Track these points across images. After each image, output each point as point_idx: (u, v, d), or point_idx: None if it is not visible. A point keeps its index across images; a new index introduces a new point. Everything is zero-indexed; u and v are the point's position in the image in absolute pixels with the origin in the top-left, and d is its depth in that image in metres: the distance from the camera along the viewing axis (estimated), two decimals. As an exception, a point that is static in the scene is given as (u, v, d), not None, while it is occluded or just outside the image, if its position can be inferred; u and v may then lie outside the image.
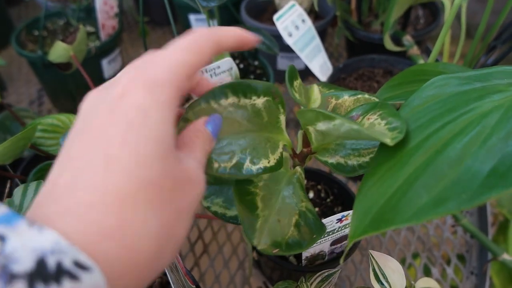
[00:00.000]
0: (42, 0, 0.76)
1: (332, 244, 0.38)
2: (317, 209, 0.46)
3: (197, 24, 0.80)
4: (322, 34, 0.73)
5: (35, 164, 0.41)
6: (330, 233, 0.36)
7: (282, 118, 0.31)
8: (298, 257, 0.42)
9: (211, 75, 0.46)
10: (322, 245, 0.38)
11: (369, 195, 0.24)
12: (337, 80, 0.59)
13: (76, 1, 0.69)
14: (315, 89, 0.32)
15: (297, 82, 0.38)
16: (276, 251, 0.28)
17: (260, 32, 0.51)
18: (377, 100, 0.34)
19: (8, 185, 0.36)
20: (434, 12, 0.69)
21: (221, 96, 0.28)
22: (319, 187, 0.49)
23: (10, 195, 0.35)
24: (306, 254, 0.38)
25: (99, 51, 0.64)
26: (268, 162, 0.28)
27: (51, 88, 0.68)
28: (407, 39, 0.60)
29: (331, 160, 0.31)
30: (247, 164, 0.27)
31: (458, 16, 0.66)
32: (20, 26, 0.67)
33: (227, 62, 0.46)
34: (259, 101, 0.30)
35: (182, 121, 0.26)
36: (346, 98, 0.34)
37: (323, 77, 0.56)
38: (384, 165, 0.25)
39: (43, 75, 0.66)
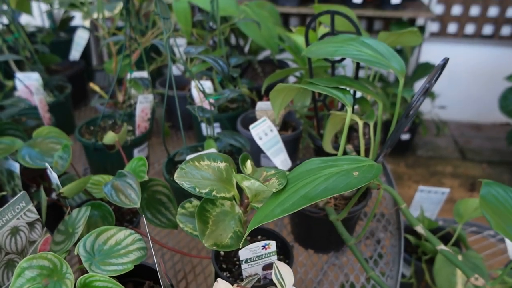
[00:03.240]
0: (100, 106, 1.08)
1: (264, 269, 0.58)
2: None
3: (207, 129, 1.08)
4: (296, 141, 0.99)
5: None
6: (259, 258, 0.56)
7: (234, 178, 0.55)
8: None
9: (201, 159, 0.71)
10: (256, 268, 0.57)
11: (262, 209, 0.46)
12: (295, 172, 0.83)
13: (123, 108, 1.00)
14: (249, 163, 0.55)
15: (248, 163, 0.62)
16: (215, 247, 0.49)
17: (240, 136, 0.77)
18: (286, 173, 0.57)
19: (68, 209, 0.59)
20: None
21: (200, 159, 0.53)
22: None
23: (60, 218, 0.58)
24: (245, 274, 0.57)
25: (133, 143, 0.91)
26: (225, 195, 0.51)
27: (95, 166, 0.95)
28: (349, 147, 0.85)
29: (258, 205, 0.53)
30: (214, 193, 0.50)
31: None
32: (81, 123, 0.97)
33: (212, 150, 0.71)
34: (222, 165, 0.54)
35: (180, 169, 0.50)
36: (271, 172, 0.58)
37: (284, 169, 0.79)
38: (271, 198, 0.48)
39: (91, 156, 0.93)
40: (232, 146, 0.83)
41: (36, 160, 0.68)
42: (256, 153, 0.95)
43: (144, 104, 0.91)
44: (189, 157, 0.70)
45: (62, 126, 1.09)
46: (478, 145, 2.70)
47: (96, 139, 0.91)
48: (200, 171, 0.52)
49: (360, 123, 0.71)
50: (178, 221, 0.55)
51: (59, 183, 0.62)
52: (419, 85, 2.31)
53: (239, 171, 0.56)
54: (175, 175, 0.50)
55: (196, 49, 0.71)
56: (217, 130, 1.06)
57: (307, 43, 0.78)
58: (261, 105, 0.88)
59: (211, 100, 0.78)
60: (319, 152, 0.94)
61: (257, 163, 1.00)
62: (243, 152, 0.60)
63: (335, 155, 0.82)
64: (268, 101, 0.90)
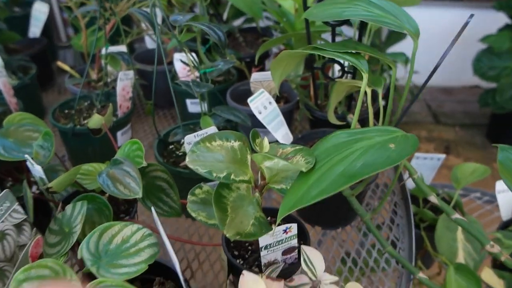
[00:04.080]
0: (73, 88, 0.98)
1: (284, 253, 0.53)
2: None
3: (192, 107, 1.00)
4: (290, 113, 0.93)
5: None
6: (280, 242, 0.52)
7: (249, 157, 0.49)
8: (261, 267, 0.57)
9: (201, 138, 0.65)
10: (276, 254, 0.53)
11: (292, 192, 0.41)
12: (297, 146, 0.78)
13: (98, 88, 0.91)
14: (266, 141, 0.50)
15: (258, 140, 0.56)
16: (238, 237, 0.44)
17: (238, 111, 0.71)
18: (305, 148, 0.52)
19: (60, 205, 0.52)
20: (374, 97, 0.91)
21: (212, 140, 0.47)
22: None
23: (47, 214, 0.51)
24: (264, 261, 0.53)
25: (115, 125, 0.83)
26: (244, 178, 0.45)
27: (74, 154, 0.86)
28: (350, 116, 0.81)
29: (278, 186, 0.48)
30: (233, 176, 0.44)
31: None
32: (54, 106, 0.87)
33: (212, 129, 0.65)
34: (236, 144, 0.48)
35: (191, 151, 0.44)
36: (288, 149, 0.52)
37: (286, 143, 0.74)
38: (300, 179, 0.42)
39: (69, 143, 0.84)
40: (228, 122, 0.76)
41: (12, 151, 0.59)
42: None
43: (124, 81, 0.83)
44: (188, 137, 0.64)
45: (31, 111, 0.99)
46: (450, 108, 2.75)
47: (74, 123, 0.82)
48: (213, 152, 0.46)
49: (369, 91, 0.67)
50: (190, 210, 0.50)
51: (43, 176, 0.54)
52: (392, 51, 2.30)
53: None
54: (187, 159, 0.44)
55: (184, 17, 0.63)
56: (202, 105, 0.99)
57: (305, 6, 0.71)
58: (256, 76, 0.82)
59: (196, 74, 0.71)
60: (317, 123, 0.89)
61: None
62: (253, 129, 0.54)
63: (341, 126, 0.77)
64: (261, 71, 0.84)
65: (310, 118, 0.89)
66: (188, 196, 0.50)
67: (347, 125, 0.79)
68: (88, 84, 0.98)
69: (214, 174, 0.44)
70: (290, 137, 0.76)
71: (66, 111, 0.89)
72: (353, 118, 0.60)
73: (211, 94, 0.98)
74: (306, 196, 0.39)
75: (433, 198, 0.65)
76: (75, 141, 0.82)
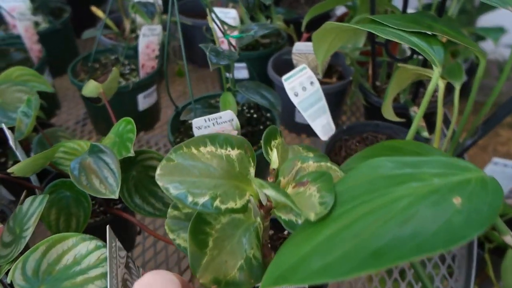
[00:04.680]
0: (103, 38, 0.88)
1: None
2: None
3: (236, 71, 0.87)
4: (341, 95, 0.77)
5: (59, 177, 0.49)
6: None
7: (252, 171, 0.36)
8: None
9: (213, 124, 0.53)
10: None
11: (285, 254, 0.28)
12: (339, 141, 0.63)
13: (127, 40, 0.80)
14: (274, 153, 0.36)
15: (276, 142, 0.43)
16: (214, 287, 0.32)
17: (267, 90, 0.57)
18: (336, 169, 0.38)
19: (24, 193, 0.43)
20: (450, 86, 0.72)
21: (200, 144, 0.34)
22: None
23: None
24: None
25: (136, 87, 0.73)
26: (235, 205, 0.33)
27: (92, 113, 0.78)
28: (414, 110, 0.63)
29: (285, 216, 0.35)
30: (217, 202, 0.32)
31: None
32: (77, 58, 0.79)
33: (228, 114, 0.52)
34: (233, 153, 0.35)
35: (165, 160, 0.32)
36: (311, 164, 0.38)
37: (324, 137, 0.60)
38: (305, 231, 0.29)
39: (87, 102, 0.76)
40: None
41: (-5, 115, 0.51)
42: (290, 108, 0.75)
43: (149, 37, 0.71)
44: (196, 120, 0.51)
45: (58, 61, 0.92)
46: (548, 92, 2.34)
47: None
48: (199, 162, 0.34)
49: (442, 85, 0.49)
50: (168, 229, 0.38)
51: (16, 152, 0.46)
52: (482, 22, 1.91)
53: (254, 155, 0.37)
54: (157, 171, 0.32)
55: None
56: (242, 72, 0.85)
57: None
58: (300, 46, 0.66)
59: (231, 39, 0.57)
60: (372, 112, 0.72)
61: (290, 122, 0.80)
62: (270, 126, 0.41)
63: (400, 124, 0.60)
64: (309, 42, 0.68)
65: (364, 104, 0.72)
66: (169, 211, 0.39)
67: (408, 123, 0.62)
68: (120, 36, 0.88)
69: (190, 199, 0.31)
70: (331, 128, 0.61)
71: (90, 64, 0.80)
72: (415, 117, 0.44)
73: (254, 60, 0.83)
74: (301, 268, 0.25)
75: (509, 239, 0.49)
76: (92, 101, 0.74)
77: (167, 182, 0.31)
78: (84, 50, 1.07)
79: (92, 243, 0.35)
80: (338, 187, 0.31)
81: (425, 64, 0.59)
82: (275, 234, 0.53)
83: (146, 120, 0.81)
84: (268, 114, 0.67)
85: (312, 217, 0.28)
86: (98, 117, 0.78)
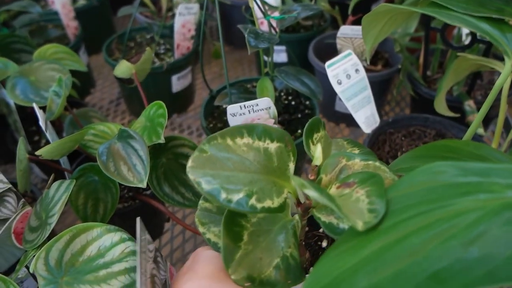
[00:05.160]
0: (140, 16, 0.86)
1: None
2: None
3: (276, 55, 0.83)
4: (387, 83, 0.72)
5: (89, 160, 0.48)
6: None
7: (291, 166, 0.33)
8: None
9: (249, 111, 0.50)
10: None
11: (326, 266, 0.25)
12: (383, 134, 0.58)
13: (161, 19, 0.78)
14: (318, 148, 0.32)
15: (318, 135, 0.39)
16: (248, 284, 0.30)
17: (308, 76, 0.53)
18: (386, 170, 0.34)
19: (52, 177, 0.42)
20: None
21: (237, 135, 0.31)
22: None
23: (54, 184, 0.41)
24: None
25: (170, 68, 0.70)
26: (272, 204, 0.30)
27: (126, 94, 0.77)
28: (469, 104, 0.58)
29: (324, 218, 0.31)
30: (253, 201, 0.29)
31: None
32: (112, 36, 0.77)
33: (265, 101, 0.48)
34: (272, 146, 0.32)
35: (198, 151, 0.29)
36: (357, 162, 0.34)
37: (367, 129, 0.55)
38: (350, 241, 0.26)
39: (120, 82, 0.74)
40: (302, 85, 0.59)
41: (28, 94, 0.50)
42: (330, 95, 0.70)
43: (185, 16, 0.68)
44: (231, 107, 0.48)
45: (94, 38, 0.91)
46: None
47: (126, 59, 0.71)
48: (234, 154, 0.31)
49: (509, 78, 0.44)
50: (198, 221, 0.36)
51: (46, 132, 0.44)
52: None
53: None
54: (189, 163, 0.29)
55: None
56: (280, 55, 0.81)
57: None
58: (346, 30, 0.61)
59: (272, 20, 0.53)
60: (420, 104, 0.67)
61: (329, 110, 0.75)
62: (314, 117, 0.37)
63: (451, 119, 0.54)
64: (356, 26, 0.63)
65: (411, 95, 0.66)
66: (200, 202, 0.36)
67: (462, 118, 0.56)
68: (156, 14, 0.86)
69: (223, 196, 0.28)
70: (375, 121, 0.56)
71: (125, 43, 0.78)
72: (477, 116, 0.39)
73: (295, 42, 0.79)
74: (343, 285, 0.22)
75: None
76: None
77: (199, 175, 0.29)
78: (121, 28, 1.05)
79: (117, 235, 0.33)
80: (389, 193, 0.27)
81: (487, 53, 0.53)
82: (309, 231, 0.49)
83: (179, 103, 0.79)
84: (307, 102, 0.63)
85: (360, 226, 0.24)
86: (132, 97, 0.76)
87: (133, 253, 0.33)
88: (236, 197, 0.28)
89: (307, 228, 0.49)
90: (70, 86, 0.49)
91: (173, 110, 0.79)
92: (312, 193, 0.27)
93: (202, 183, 0.28)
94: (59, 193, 0.37)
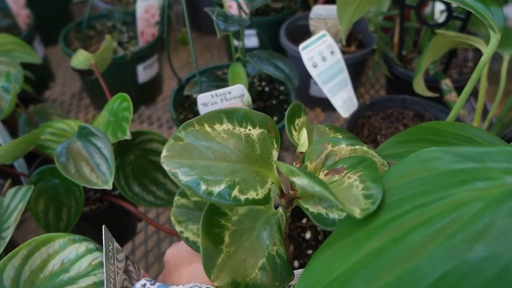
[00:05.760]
0: (99, 2, 0.81)
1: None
2: (310, 251, 0.44)
3: (247, 40, 0.79)
4: (361, 65, 0.70)
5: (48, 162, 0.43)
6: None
7: (275, 154, 0.30)
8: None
9: (221, 100, 0.46)
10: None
11: (317, 270, 0.22)
12: (361, 117, 0.56)
13: (123, 4, 0.72)
14: (304, 134, 0.30)
15: (300, 120, 0.37)
16: (231, 289, 0.27)
17: (282, 60, 0.50)
18: (374, 154, 0.32)
19: (8, 183, 0.38)
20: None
21: (215, 121, 0.28)
22: (318, 228, 0.47)
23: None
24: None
25: (135, 57, 0.66)
26: (257, 195, 0.27)
27: (88, 86, 0.72)
28: (446, 83, 0.56)
29: (313, 209, 0.29)
30: (235, 192, 0.26)
31: None
32: (69, 25, 0.71)
33: (238, 88, 0.45)
34: (254, 132, 0.29)
35: (173, 139, 0.26)
36: (343, 147, 0.32)
37: (345, 113, 0.53)
38: (342, 240, 0.23)
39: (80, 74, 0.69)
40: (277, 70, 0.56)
41: (-26, 90, 0.45)
42: (304, 79, 0.68)
43: (147, 1, 0.64)
44: (202, 96, 0.45)
45: (50, 28, 0.85)
46: None
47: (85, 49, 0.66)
48: (213, 142, 0.28)
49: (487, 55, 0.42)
50: (174, 219, 0.33)
51: (-3, 135, 0.40)
52: None
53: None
54: (163, 152, 0.26)
55: None
56: (251, 40, 0.78)
57: None
58: (319, 10, 0.58)
59: (241, 2, 0.50)
60: (395, 85, 0.65)
61: (303, 95, 0.73)
62: (294, 102, 0.34)
63: (429, 98, 0.52)
64: (329, 4, 0.60)
65: (386, 76, 0.65)
66: (175, 198, 0.33)
67: (439, 98, 0.55)
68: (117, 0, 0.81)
69: (203, 188, 0.25)
70: (353, 104, 0.54)
71: (84, 32, 0.73)
72: (461, 95, 0.37)
73: (264, 26, 0.76)
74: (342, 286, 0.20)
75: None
76: (87, 72, 0.67)
77: (175, 166, 0.26)
78: (79, 16, 0.99)
79: (82, 246, 0.30)
80: (386, 182, 0.25)
81: (462, 30, 0.51)
82: (292, 222, 0.47)
83: (147, 94, 0.75)
84: (282, 87, 0.60)
85: (357, 213, 0.22)
86: (95, 90, 0.71)
87: (102, 264, 0.30)
88: (217, 188, 0.26)
89: (289, 220, 0.47)
90: (22, 80, 0.44)
91: (140, 102, 0.75)
92: (302, 180, 0.25)
93: (179, 175, 0.25)
94: (15, 201, 0.33)
